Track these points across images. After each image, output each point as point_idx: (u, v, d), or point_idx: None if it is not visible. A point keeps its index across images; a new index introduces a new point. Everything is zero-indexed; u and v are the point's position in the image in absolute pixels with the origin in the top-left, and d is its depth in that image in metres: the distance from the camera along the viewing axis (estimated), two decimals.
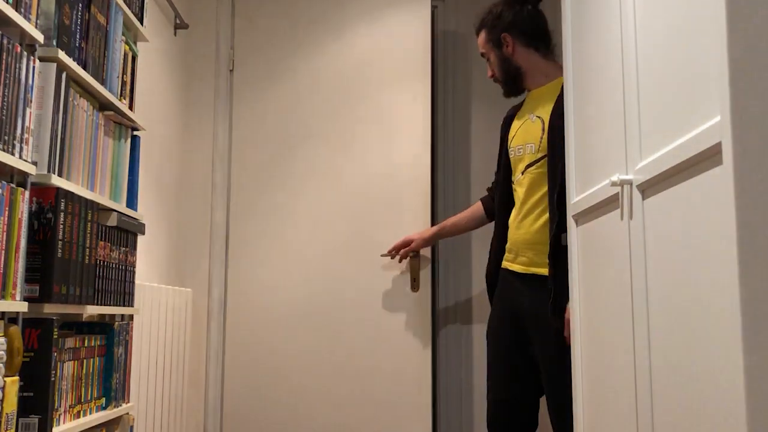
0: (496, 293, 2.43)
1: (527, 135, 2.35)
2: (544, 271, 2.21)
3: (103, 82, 1.92)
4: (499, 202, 2.46)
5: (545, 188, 2.26)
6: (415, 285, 3.01)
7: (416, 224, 3.07)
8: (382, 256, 2.99)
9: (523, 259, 2.31)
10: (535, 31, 2.41)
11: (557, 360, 2.18)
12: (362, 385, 3.03)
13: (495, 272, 2.44)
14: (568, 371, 2.12)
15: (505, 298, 2.38)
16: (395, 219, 3.11)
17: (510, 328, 2.34)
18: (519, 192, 2.35)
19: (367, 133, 3.17)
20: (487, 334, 2.45)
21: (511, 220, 2.38)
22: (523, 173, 2.33)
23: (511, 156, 2.41)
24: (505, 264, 2.39)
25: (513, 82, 2.44)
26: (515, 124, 2.44)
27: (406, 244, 2.89)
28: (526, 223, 2.30)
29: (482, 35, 2.45)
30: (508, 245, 2.38)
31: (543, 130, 2.29)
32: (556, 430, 2.23)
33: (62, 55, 1.65)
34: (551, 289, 2.14)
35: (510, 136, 2.43)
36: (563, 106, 2.12)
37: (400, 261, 2.96)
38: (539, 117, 2.33)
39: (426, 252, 3.03)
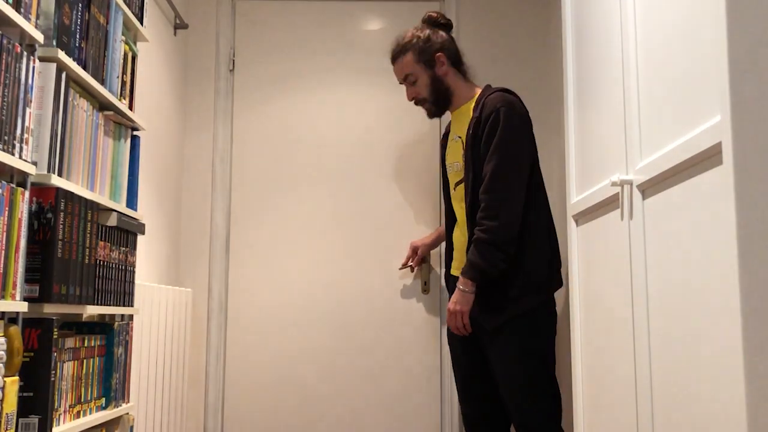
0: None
1: (454, 154, 2.50)
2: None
3: (103, 82, 1.92)
4: (446, 214, 2.60)
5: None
6: (426, 288, 3.06)
7: (425, 225, 3.08)
8: (400, 269, 3.04)
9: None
10: (457, 54, 2.54)
11: (504, 359, 2.30)
12: (367, 384, 3.03)
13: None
14: (518, 368, 2.28)
15: None
16: (401, 220, 3.11)
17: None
18: (456, 206, 2.52)
19: (372, 133, 3.17)
20: (448, 339, 2.57)
21: (454, 230, 2.53)
22: (455, 189, 2.50)
23: (447, 173, 2.58)
24: (453, 271, 2.53)
25: (442, 103, 2.54)
26: (448, 143, 2.59)
27: (414, 252, 2.97)
28: (464, 233, 2.43)
29: (408, 58, 2.51)
30: (454, 253, 2.53)
31: (463, 149, 2.43)
32: (517, 427, 2.31)
33: (62, 55, 1.65)
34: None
35: (446, 154, 2.60)
36: (474, 124, 2.35)
37: (412, 270, 3.05)
38: (459, 137, 2.48)
39: (435, 254, 3.06)
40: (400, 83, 2.59)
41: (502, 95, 2.37)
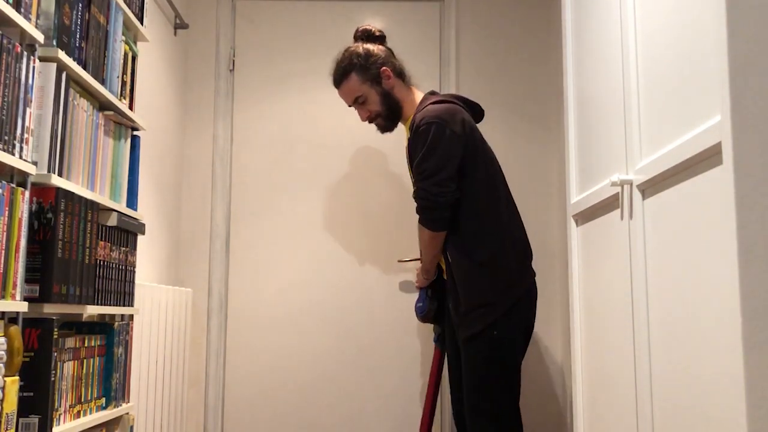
0: None
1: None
2: None
3: (103, 82, 1.92)
4: None
5: None
6: None
7: None
8: (399, 262, 3.04)
9: None
10: (397, 64, 2.47)
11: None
12: (366, 384, 3.03)
13: None
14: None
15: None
16: (400, 220, 3.11)
17: None
18: None
19: (371, 134, 3.17)
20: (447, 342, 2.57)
21: None
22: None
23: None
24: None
25: (394, 117, 2.47)
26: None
27: None
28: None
29: (353, 79, 2.44)
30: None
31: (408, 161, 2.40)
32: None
33: (62, 55, 1.65)
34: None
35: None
36: (409, 144, 2.32)
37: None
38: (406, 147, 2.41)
39: None
40: (350, 106, 2.51)
41: (433, 109, 2.27)
